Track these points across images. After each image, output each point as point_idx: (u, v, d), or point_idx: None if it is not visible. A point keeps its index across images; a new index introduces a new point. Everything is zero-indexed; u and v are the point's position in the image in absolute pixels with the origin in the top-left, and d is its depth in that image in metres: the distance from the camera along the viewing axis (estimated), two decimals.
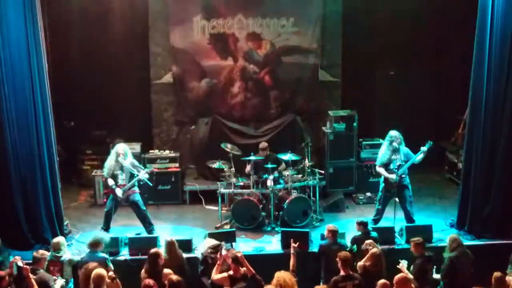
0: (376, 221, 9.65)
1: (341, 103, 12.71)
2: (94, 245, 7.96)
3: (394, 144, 9.44)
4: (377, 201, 9.84)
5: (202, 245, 8.55)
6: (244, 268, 7.14)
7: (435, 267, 7.91)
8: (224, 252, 7.35)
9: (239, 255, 7.18)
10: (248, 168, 10.55)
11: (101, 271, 6.96)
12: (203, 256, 8.13)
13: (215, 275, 7.22)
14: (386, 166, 9.55)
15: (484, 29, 9.05)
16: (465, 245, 8.10)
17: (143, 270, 7.51)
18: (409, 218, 9.57)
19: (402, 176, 9.46)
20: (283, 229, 9.46)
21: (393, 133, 9.53)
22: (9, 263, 7.65)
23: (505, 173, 9.37)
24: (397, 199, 9.57)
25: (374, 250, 7.52)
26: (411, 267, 7.68)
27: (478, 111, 9.31)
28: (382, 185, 9.67)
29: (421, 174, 11.61)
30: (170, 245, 7.97)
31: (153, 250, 7.67)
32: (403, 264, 7.48)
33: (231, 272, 7.14)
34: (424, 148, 9.38)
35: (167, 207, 11.17)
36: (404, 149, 9.53)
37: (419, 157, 9.45)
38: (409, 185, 9.61)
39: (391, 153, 9.51)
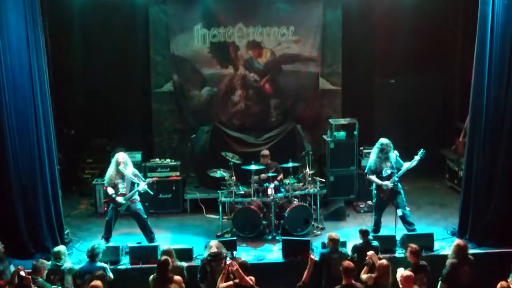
0: (375, 231, 9.61)
1: (341, 111, 12.74)
2: (93, 255, 7.92)
3: (384, 152, 9.44)
4: (373, 210, 9.84)
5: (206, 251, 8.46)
6: (251, 277, 7.07)
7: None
8: (228, 261, 7.31)
9: (234, 268, 7.02)
10: (259, 177, 10.43)
11: (98, 283, 6.92)
12: (201, 263, 8.09)
13: (221, 284, 7.17)
14: (377, 174, 9.56)
15: (484, 36, 9.06)
16: (470, 253, 8.03)
17: (151, 277, 7.45)
18: (406, 221, 9.54)
19: (394, 183, 9.48)
20: (284, 238, 9.44)
21: (384, 140, 9.52)
22: (10, 272, 7.64)
23: (506, 181, 9.36)
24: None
25: (382, 261, 7.42)
26: None
27: (479, 118, 9.31)
28: (374, 193, 9.68)
29: (421, 182, 11.60)
30: (168, 254, 7.91)
31: (162, 258, 7.56)
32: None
33: (237, 280, 7.10)
34: (417, 157, 9.39)
35: (168, 215, 11.14)
36: (393, 156, 9.53)
37: (412, 165, 9.46)
38: (401, 190, 9.61)
39: (380, 161, 9.51)
